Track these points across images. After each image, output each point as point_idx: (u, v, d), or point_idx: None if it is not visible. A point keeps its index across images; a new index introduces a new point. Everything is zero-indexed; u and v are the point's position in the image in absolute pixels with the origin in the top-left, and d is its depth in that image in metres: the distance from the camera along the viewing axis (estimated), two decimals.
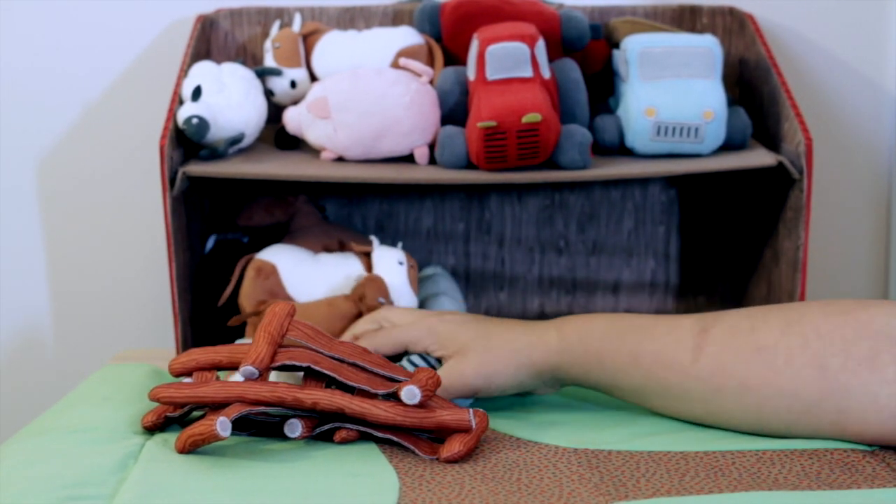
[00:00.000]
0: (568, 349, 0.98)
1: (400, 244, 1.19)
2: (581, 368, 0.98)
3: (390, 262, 1.15)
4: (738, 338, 0.93)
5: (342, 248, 1.20)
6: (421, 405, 0.91)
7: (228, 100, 1.15)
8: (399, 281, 1.14)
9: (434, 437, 0.94)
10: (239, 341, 1.13)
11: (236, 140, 1.15)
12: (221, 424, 0.88)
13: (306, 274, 1.15)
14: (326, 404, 0.91)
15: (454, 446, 0.91)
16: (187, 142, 1.16)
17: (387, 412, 0.91)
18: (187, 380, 0.96)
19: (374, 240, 1.18)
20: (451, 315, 1.05)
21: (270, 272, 1.15)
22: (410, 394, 0.91)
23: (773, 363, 0.91)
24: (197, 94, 1.13)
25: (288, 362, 0.92)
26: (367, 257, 1.17)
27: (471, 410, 0.93)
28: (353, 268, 1.16)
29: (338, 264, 1.17)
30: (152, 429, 0.96)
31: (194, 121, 1.11)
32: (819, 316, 0.92)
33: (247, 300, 1.15)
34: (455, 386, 0.98)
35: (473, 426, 0.92)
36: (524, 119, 1.07)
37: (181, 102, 1.15)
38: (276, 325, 0.93)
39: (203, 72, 1.16)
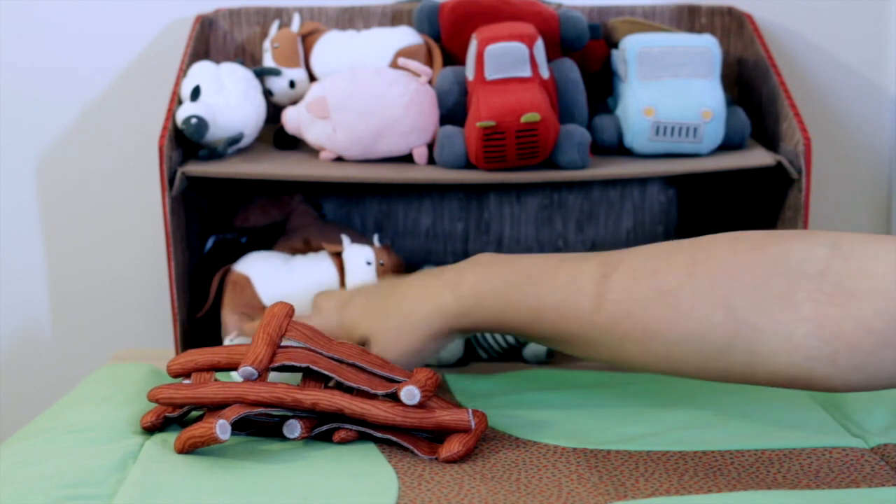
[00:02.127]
0: (466, 313, 0.96)
1: (376, 236, 1.21)
2: (484, 326, 0.97)
3: (358, 263, 1.16)
4: (639, 282, 0.88)
5: (308, 246, 1.21)
6: (420, 405, 0.91)
7: (227, 100, 1.15)
8: (368, 281, 1.14)
9: (433, 437, 0.94)
10: (232, 341, 1.13)
11: (235, 140, 1.15)
12: (221, 427, 0.88)
13: (279, 281, 1.16)
14: (326, 404, 0.91)
15: (453, 446, 0.91)
16: (186, 142, 1.16)
17: (386, 412, 0.91)
18: (186, 381, 0.96)
19: (346, 238, 1.18)
20: (359, 296, 1.04)
21: (245, 284, 1.16)
22: (410, 394, 0.91)
23: (677, 307, 0.86)
24: (196, 93, 1.13)
25: (287, 363, 0.92)
26: (338, 257, 1.17)
27: (470, 411, 0.93)
28: (325, 270, 1.17)
29: (310, 267, 1.17)
30: (151, 429, 0.96)
31: (193, 120, 1.11)
32: (728, 254, 0.86)
33: (226, 312, 1.16)
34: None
35: (473, 426, 0.92)
36: (523, 119, 1.07)
37: (180, 102, 1.15)
38: (275, 325, 0.93)
39: (202, 72, 1.16)
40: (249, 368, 0.91)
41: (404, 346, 0.98)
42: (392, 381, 0.94)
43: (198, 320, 1.20)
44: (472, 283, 0.97)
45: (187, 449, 0.90)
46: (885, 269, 0.80)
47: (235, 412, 0.90)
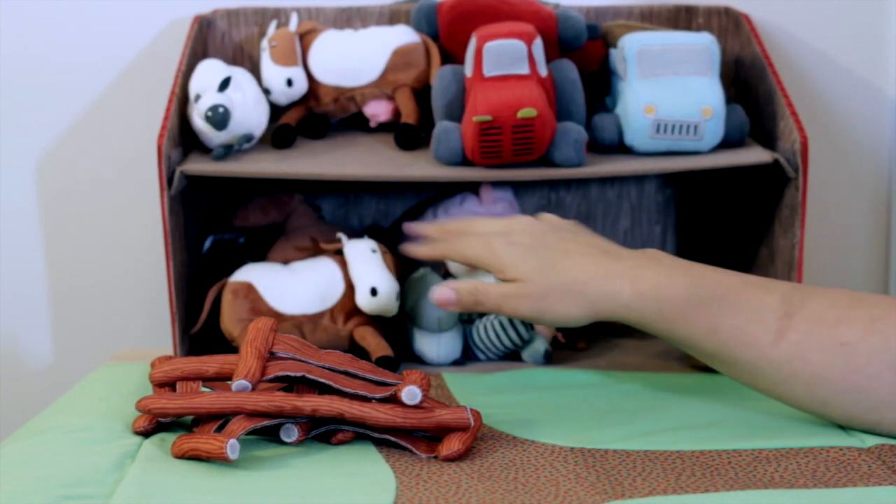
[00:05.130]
0: (640, 309, 0.95)
1: (365, 237, 1.21)
2: (651, 327, 0.96)
3: (364, 253, 1.16)
4: (822, 329, 0.92)
5: (315, 245, 1.20)
6: (419, 406, 0.92)
7: (245, 98, 1.15)
8: (376, 269, 1.14)
9: (430, 436, 0.94)
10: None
11: (248, 139, 1.15)
12: (231, 447, 0.87)
13: (284, 285, 1.16)
14: (326, 410, 0.90)
15: (453, 444, 0.91)
16: (186, 141, 1.16)
17: (387, 414, 0.91)
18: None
19: (343, 236, 1.18)
20: (522, 233, 1.00)
21: (248, 290, 1.15)
22: (411, 394, 0.91)
23: (853, 360, 0.90)
24: (225, 85, 1.13)
25: (281, 373, 0.92)
26: (339, 255, 1.18)
27: (468, 409, 0.93)
28: (329, 269, 1.17)
29: (313, 268, 1.17)
30: (144, 434, 0.95)
31: (220, 109, 1.11)
32: None
33: (230, 323, 1.15)
34: (508, 297, 0.96)
35: (472, 424, 0.92)
36: (519, 114, 1.07)
37: (186, 100, 1.14)
38: (262, 339, 0.92)
39: (222, 68, 1.16)
40: (243, 382, 0.90)
41: (561, 305, 0.95)
42: (385, 384, 0.94)
43: (197, 318, 1.20)
44: (653, 282, 0.95)
45: (185, 457, 0.89)
46: None
47: (241, 428, 0.89)
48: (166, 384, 0.95)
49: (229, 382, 0.92)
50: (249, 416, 0.90)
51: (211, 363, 0.94)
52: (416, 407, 0.91)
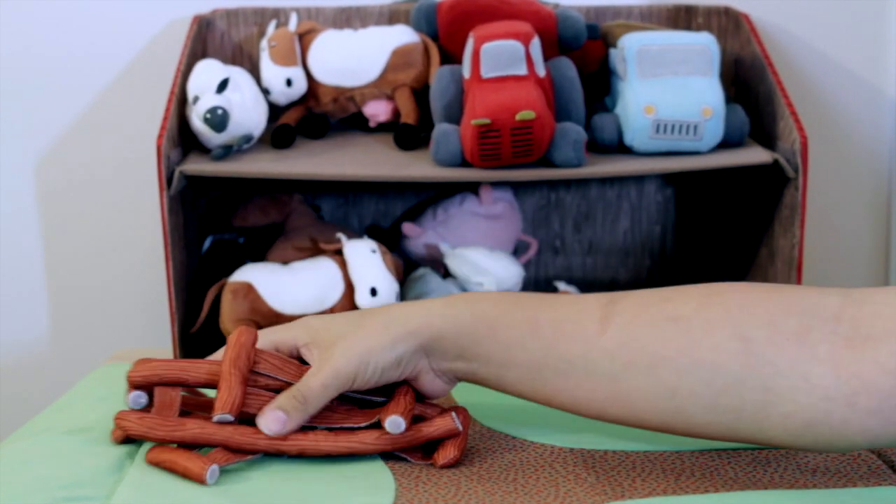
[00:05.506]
0: (454, 316, 0.87)
1: (366, 237, 1.20)
2: (469, 338, 0.86)
3: (363, 253, 1.16)
4: (650, 308, 0.83)
5: (315, 245, 1.20)
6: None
7: (243, 98, 1.15)
8: (376, 269, 1.14)
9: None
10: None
11: (247, 140, 1.15)
12: (211, 474, 0.83)
13: (284, 284, 1.16)
14: (312, 452, 0.87)
15: (449, 452, 0.88)
16: (185, 141, 1.16)
17: (375, 444, 0.87)
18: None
19: (342, 236, 1.18)
20: (334, 316, 0.93)
21: (248, 291, 1.15)
22: (395, 424, 0.87)
23: (689, 333, 0.80)
24: (223, 86, 1.13)
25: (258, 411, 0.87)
26: (339, 255, 1.18)
27: (453, 413, 0.90)
28: (328, 269, 1.17)
29: (313, 268, 1.17)
30: (122, 443, 0.91)
31: (219, 111, 1.11)
32: (742, 291, 0.82)
33: (230, 323, 1.15)
34: (326, 375, 0.86)
35: (461, 429, 0.90)
36: (518, 116, 1.07)
37: (185, 100, 1.14)
38: (244, 358, 0.87)
39: (220, 68, 1.16)
40: (226, 415, 0.85)
41: (375, 342, 0.86)
42: (370, 403, 0.91)
43: (195, 319, 1.20)
44: (464, 295, 0.90)
45: (160, 466, 0.86)
46: None
47: (225, 460, 0.85)
48: (143, 387, 0.89)
49: (208, 414, 0.87)
50: (233, 451, 0.86)
51: (192, 372, 0.89)
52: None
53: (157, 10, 1.31)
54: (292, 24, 1.24)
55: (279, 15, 1.27)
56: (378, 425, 0.89)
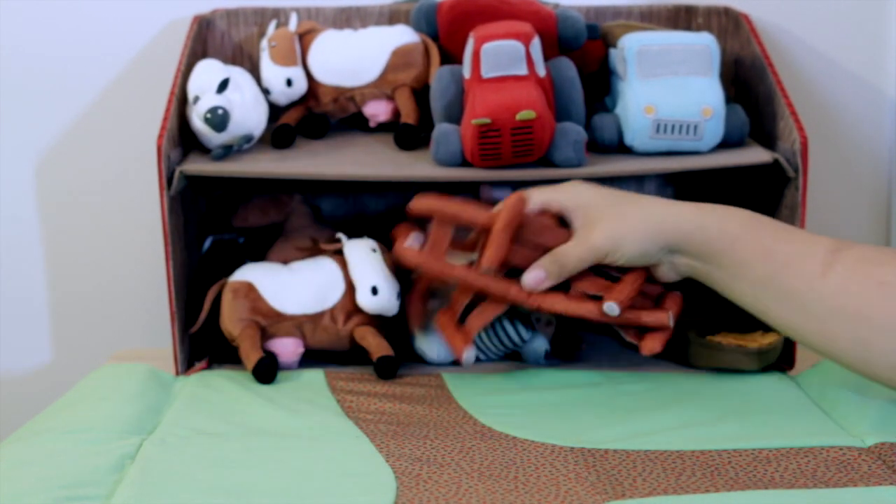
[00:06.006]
0: (703, 225, 1.01)
1: (365, 238, 1.20)
2: (709, 247, 1.00)
3: (364, 252, 1.16)
4: (865, 267, 0.94)
5: (315, 245, 1.21)
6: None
7: (244, 98, 1.15)
8: (376, 268, 1.14)
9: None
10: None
11: (248, 139, 1.15)
12: (467, 358, 1.05)
13: (284, 284, 1.16)
14: (548, 309, 1.04)
15: (655, 345, 1.03)
16: (185, 141, 1.16)
17: (597, 316, 1.03)
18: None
19: (343, 236, 1.18)
20: (600, 188, 1.07)
21: (248, 290, 1.15)
22: (611, 309, 1.02)
23: (892, 298, 0.92)
24: (223, 86, 1.13)
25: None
26: (339, 254, 1.17)
27: (670, 314, 1.03)
28: (329, 269, 1.17)
29: (313, 268, 1.17)
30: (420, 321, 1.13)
31: (220, 111, 1.11)
32: None
33: (230, 322, 1.15)
34: (584, 249, 1.02)
35: (671, 326, 1.02)
36: (518, 116, 1.07)
37: (196, 99, 1.14)
38: (515, 224, 1.04)
39: (220, 68, 1.16)
40: (490, 269, 1.03)
41: (630, 231, 1.02)
42: (607, 275, 1.05)
43: (196, 318, 1.20)
44: (715, 207, 1.02)
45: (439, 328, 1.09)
46: None
47: (480, 322, 1.07)
48: (421, 216, 1.10)
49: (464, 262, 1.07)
50: (482, 313, 1.06)
51: (466, 215, 1.07)
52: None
53: (157, 10, 1.31)
54: (292, 24, 1.24)
55: (279, 15, 1.27)
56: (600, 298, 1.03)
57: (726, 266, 1.00)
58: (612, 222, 1.02)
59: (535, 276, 1.04)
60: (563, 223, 1.06)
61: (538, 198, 1.06)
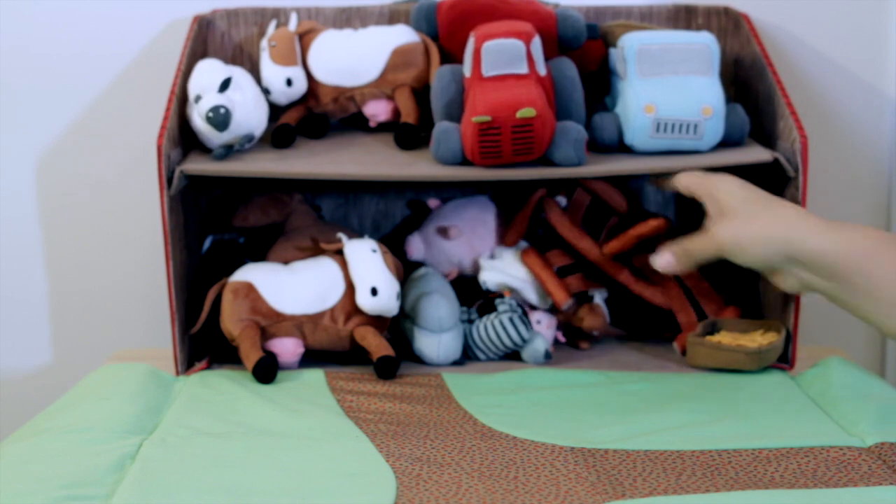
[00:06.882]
0: (831, 240, 0.98)
1: (366, 236, 1.20)
2: (838, 264, 0.97)
3: (364, 252, 1.16)
4: None
5: (315, 245, 1.20)
6: None
7: (245, 98, 1.15)
8: (376, 268, 1.14)
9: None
10: None
11: (249, 139, 1.15)
12: (566, 306, 1.20)
13: (284, 284, 1.16)
14: (635, 290, 1.24)
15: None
16: (186, 141, 1.16)
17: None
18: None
19: (343, 236, 1.18)
20: (745, 183, 1.07)
21: (248, 290, 1.15)
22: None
23: None
24: (225, 85, 1.13)
25: None
26: (339, 255, 1.17)
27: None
28: (329, 269, 1.17)
29: (313, 268, 1.17)
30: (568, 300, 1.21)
31: (222, 110, 1.11)
32: None
33: (230, 322, 1.15)
34: (710, 244, 1.04)
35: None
36: (518, 114, 1.07)
37: (198, 98, 1.14)
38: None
39: (221, 68, 1.16)
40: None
41: (759, 237, 1.01)
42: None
43: (196, 317, 1.20)
44: (850, 226, 0.99)
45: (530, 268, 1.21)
46: None
47: (577, 286, 1.22)
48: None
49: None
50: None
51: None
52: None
53: (157, 10, 1.31)
54: (292, 24, 1.24)
55: (279, 15, 1.27)
56: None
57: (852, 283, 0.96)
58: (740, 222, 1.03)
59: (665, 258, 1.09)
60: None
61: (686, 181, 1.09)
